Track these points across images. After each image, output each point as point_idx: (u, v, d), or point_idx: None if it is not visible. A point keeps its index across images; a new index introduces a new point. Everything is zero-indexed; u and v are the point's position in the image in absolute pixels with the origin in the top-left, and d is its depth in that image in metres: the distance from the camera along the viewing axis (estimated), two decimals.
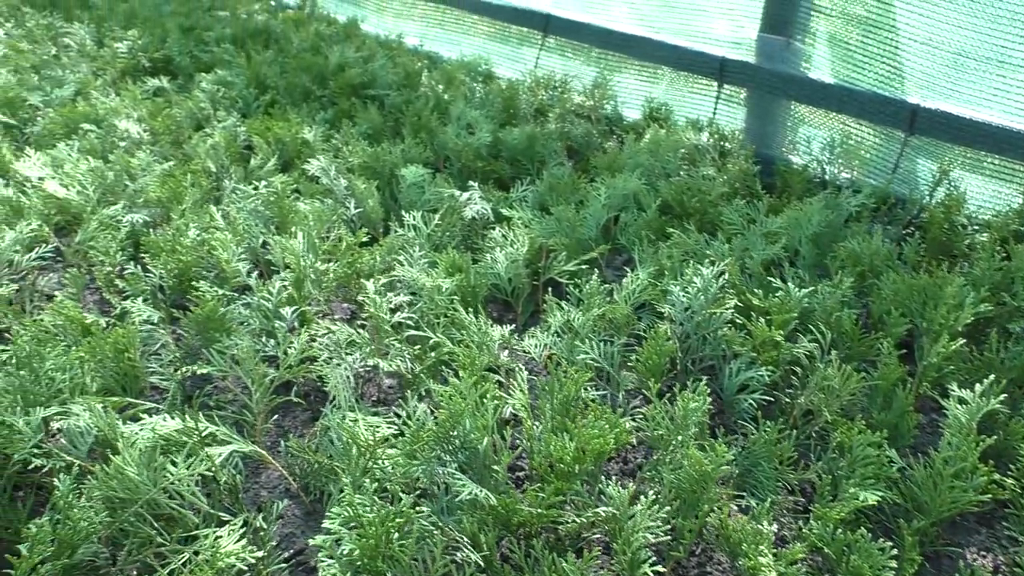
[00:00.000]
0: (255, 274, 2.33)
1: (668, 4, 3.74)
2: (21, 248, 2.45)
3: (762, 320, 2.04)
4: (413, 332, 2.13)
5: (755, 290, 2.19)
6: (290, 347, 1.98)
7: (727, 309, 2.08)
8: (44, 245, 2.50)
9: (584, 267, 2.49)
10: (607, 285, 2.36)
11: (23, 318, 2.26)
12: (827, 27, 3.27)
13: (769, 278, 2.30)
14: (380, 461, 1.67)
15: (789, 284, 2.12)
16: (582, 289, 2.32)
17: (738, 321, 2.13)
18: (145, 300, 2.24)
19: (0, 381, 1.81)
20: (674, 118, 3.70)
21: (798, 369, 2.01)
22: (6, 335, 2.30)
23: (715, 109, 3.66)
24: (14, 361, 1.93)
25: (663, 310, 2.24)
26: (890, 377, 1.91)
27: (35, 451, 1.71)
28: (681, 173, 3.19)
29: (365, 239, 2.53)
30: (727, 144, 3.45)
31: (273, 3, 5.49)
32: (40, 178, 2.89)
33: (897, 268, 2.43)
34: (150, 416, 1.81)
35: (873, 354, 2.05)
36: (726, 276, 2.14)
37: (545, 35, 4.26)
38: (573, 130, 3.57)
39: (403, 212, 2.76)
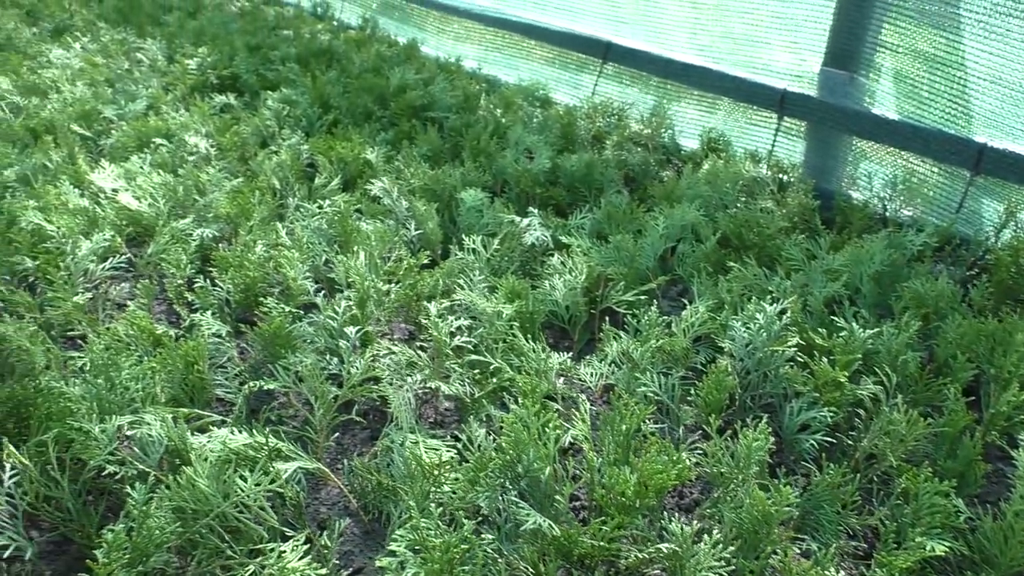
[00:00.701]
0: (321, 293, 2.37)
1: (730, 36, 3.75)
2: (96, 258, 2.54)
3: (825, 360, 2.03)
4: (474, 357, 2.15)
5: (818, 329, 2.17)
6: (354, 367, 2.01)
7: (789, 347, 2.07)
8: (117, 256, 2.58)
9: (642, 297, 2.50)
10: (665, 317, 2.36)
11: (96, 325, 2.34)
12: (892, 63, 3.25)
13: (831, 317, 2.29)
14: (442, 485, 1.69)
15: (853, 324, 2.10)
16: (640, 319, 2.33)
17: (800, 359, 2.12)
18: (213, 313, 2.29)
19: (78, 388, 1.87)
20: (732, 149, 3.70)
21: (861, 411, 1.99)
22: (79, 341, 2.37)
23: (774, 141, 3.65)
24: (90, 369, 2.00)
25: (722, 345, 2.23)
26: (957, 424, 1.88)
27: (109, 458, 1.76)
28: (739, 205, 3.19)
29: (426, 261, 2.57)
30: (786, 177, 3.44)
31: (336, 24, 5.61)
32: (114, 190, 2.99)
33: (962, 311, 2.40)
34: (217, 428, 1.86)
35: (939, 399, 2.02)
36: (788, 314, 2.13)
37: (604, 62, 4.29)
38: (630, 158, 3.59)
39: (462, 235, 2.79)
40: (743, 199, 3.24)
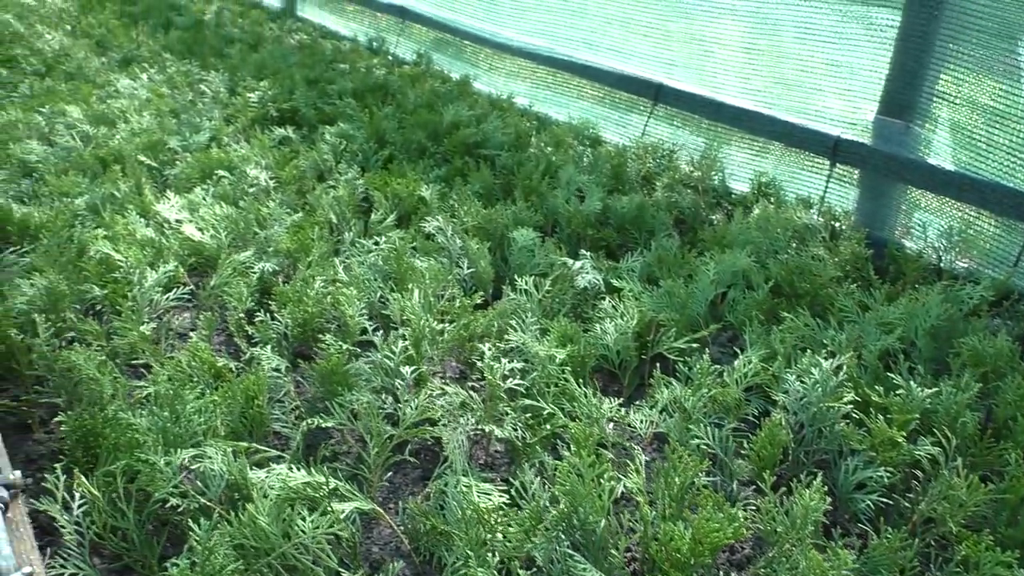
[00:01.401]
0: (379, 332, 2.42)
1: (783, 81, 3.76)
2: (160, 288, 2.62)
3: (881, 417, 2.01)
4: (527, 402, 2.17)
5: (875, 387, 2.16)
6: (409, 407, 2.04)
7: (844, 404, 2.06)
8: (182, 287, 2.66)
9: (693, 345, 2.50)
10: (717, 366, 2.35)
11: (160, 355, 2.41)
12: (950, 114, 3.23)
13: (887, 373, 2.27)
14: (496, 532, 1.70)
15: (912, 383, 2.08)
16: (691, 367, 2.33)
17: (855, 416, 2.10)
18: (272, 348, 2.35)
19: (144, 420, 1.93)
20: (783, 194, 3.69)
21: (919, 472, 1.96)
22: (143, 370, 2.44)
23: (826, 188, 3.64)
24: (156, 400, 2.07)
25: (775, 397, 2.23)
26: (1019, 490, 1.84)
27: (172, 491, 1.81)
28: (790, 251, 3.18)
29: (479, 301, 2.61)
30: (838, 224, 3.42)
31: (390, 58, 5.74)
32: (178, 220, 3.09)
33: (1022, 370, 2.36)
34: (274, 463, 1.90)
35: (1000, 464, 1.98)
36: (844, 370, 2.12)
37: (655, 103, 4.32)
38: (681, 201, 3.60)
39: (514, 275, 2.83)
40: (794, 245, 3.23)
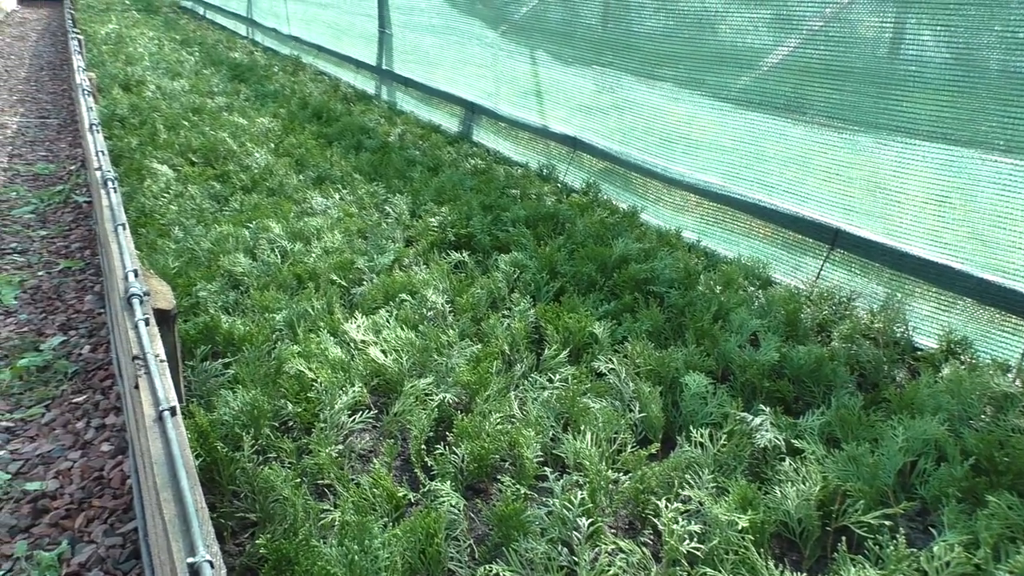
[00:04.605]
0: (551, 473, 2.42)
1: (977, 236, 3.59)
2: (348, 411, 2.76)
3: None
4: (708, 571, 2.09)
5: None
6: (585, 563, 2.02)
7: None
8: (366, 410, 2.79)
9: (885, 523, 2.34)
10: (913, 549, 2.19)
11: (343, 476, 2.51)
12: None
13: None
14: None
15: None
16: (882, 546, 2.18)
17: None
18: (452, 484, 2.40)
19: (334, 550, 2.00)
20: (975, 354, 3.47)
21: None
22: (325, 489, 2.56)
23: None
24: (343, 529, 2.15)
25: None
26: None
27: None
28: (984, 419, 2.95)
29: (653, 451, 2.57)
30: None
31: (559, 185, 5.96)
32: (363, 341, 3.27)
33: None
34: None
35: None
36: None
37: (832, 248, 4.23)
38: (861, 354, 3.45)
39: (687, 425, 2.78)
40: (989, 412, 3.00)
